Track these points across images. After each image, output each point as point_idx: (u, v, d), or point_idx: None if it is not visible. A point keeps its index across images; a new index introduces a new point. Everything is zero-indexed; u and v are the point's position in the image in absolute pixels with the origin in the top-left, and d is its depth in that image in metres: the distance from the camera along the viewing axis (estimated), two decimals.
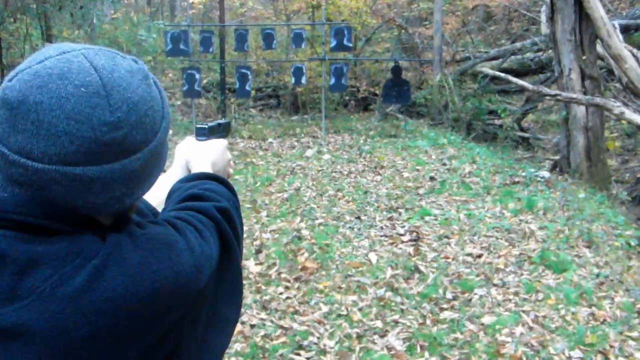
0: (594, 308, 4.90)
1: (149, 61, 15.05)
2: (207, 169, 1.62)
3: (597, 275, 5.49)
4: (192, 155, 1.69)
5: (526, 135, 13.59)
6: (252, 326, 4.77)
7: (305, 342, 4.53)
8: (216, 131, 1.82)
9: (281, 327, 4.77)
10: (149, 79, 1.12)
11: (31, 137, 0.99)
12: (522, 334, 4.53)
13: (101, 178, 1.02)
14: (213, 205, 1.35)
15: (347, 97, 14.92)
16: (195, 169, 1.63)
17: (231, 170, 1.81)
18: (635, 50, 8.69)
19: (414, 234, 6.58)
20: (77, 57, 1.04)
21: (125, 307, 1.02)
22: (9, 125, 1.00)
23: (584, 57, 8.60)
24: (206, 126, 1.77)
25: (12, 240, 1.00)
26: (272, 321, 4.86)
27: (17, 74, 1.02)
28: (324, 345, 4.51)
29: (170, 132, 12.52)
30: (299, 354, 4.40)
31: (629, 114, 7.29)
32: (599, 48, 8.93)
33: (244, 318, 4.86)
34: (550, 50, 12.39)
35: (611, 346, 4.33)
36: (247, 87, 12.62)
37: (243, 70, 12.62)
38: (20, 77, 1.01)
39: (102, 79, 1.02)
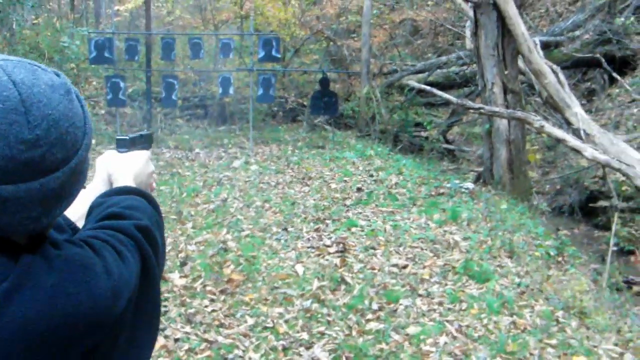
0: (515, 317, 5.00)
1: (72, 69, 14.69)
2: (129, 182, 1.57)
3: (519, 285, 5.61)
4: (113, 168, 1.62)
5: (451, 147, 13.85)
6: (176, 340, 4.68)
7: (231, 356, 4.47)
8: (138, 142, 1.75)
9: (206, 340, 4.69)
10: (71, 93, 1.07)
11: None
12: (446, 343, 4.58)
13: (17, 198, 0.97)
14: (133, 224, 1.29)
15: (275, 108, 14.91)
16: (117, 183, 1.57)
17: (154, 183, 1.75)
18: (554, 67, 8.97)
19: (341, 245, 6.59)
20: None
21: (37, 333, 0.97)
22: None
23: (506, 72, 8.82)
24: (127, 137, 1.71)
25: None
26: (196, 335, 4.78)
27: None
28: (249, 358, 4.45)
29: (94, 141, 12.23)
30: None
31: (549, 127, 7.50)
32: (521, 63, 9.18)
33: (167, 332, 4.77)
34: (474, 65, 12.69)
35: (531, 354, 4.42)
36: (173, 97, 12.45)
37: (169, 80, 12.46)
38: None
39: (20, 94, 0.97)
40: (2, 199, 0.96)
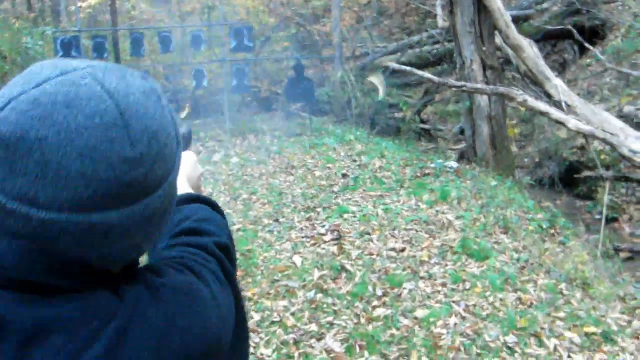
0: (519, 292, 5.04)
1: None
2: (186, 186, 1.46)
3: (518, 260, 5.66)
4: None
5: (427, 126, 13.89)
6: None
7: None
8: (184, 142, 1.62)
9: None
10: (162, 99, 0.96)
11: (35, 181, 0.81)
12: (456, 324, 4.60)
13: (121, 224, 0.87)
14: (213, 242, 1.18)
15: (249, 98, 14.81)
16: None
17: (202, 187, 1.64)
18: (529, 40, 9.01)
19: (335, 232, 6.58)
20: (84, 79, 0.86)
21: None
22: (4, 166, 0.82)
23: (484, 48, 8.84)
24: None
25: (13, 304, 0.84)
26: None
27: (9, 101, 0.84)
28: (261, 354, 4.43)
29: None
30: None
31: (532, 101, 7.54)
32: (497, 39, 9.21)
33: None
34: (447, 43, 12.73)
35: (542, 328, 4.46)
36: None
37: None
38: (14, 105, 0.83)
39: (118, 106, 0.86)
40: (106, 228, 0.86)
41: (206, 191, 8.33)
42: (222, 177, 9.32)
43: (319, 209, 7.40)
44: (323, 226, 6.83)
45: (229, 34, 12.43)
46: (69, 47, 12.10)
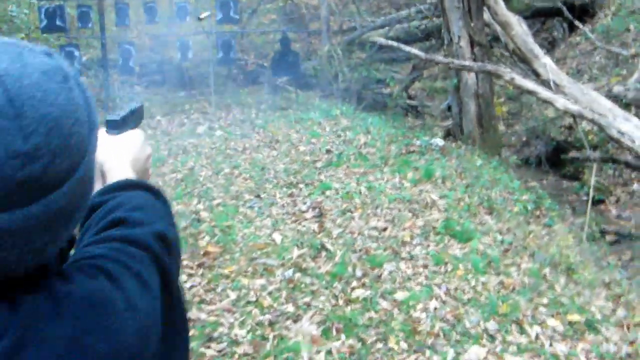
0: (502, 276, 4.94)
1: (21, 38, 14.11)
2: (127, 171, 1.31)
3: (502, 242, 5.56)
4: (105, 155, 1.33)
5: (414, 103, 13.73)
6: None
7: (216, 334, 4.33)
8: (130, 120, 1.48)
9: (188, 318, 4.53)
10: (70, 78, 0.83)
11: None
12: (436, 308, 4.49)
13: (14, 228, 0.75)
14: (147, 232, 1.04)
15: (235, 71, 14.57)
16: (112, 173, 1.30)
17: (150, 170, 1.49)
18: (518, 17, 8.84)
19: (317, 210, 6.45)
20: None
21: None
22: None
23: (472, 24, 8.67)
24: (118, 117, 1.43)
25: None
26: None
27: None
28: (236, 335, 4.32)
29: None
30: (209, 347, 4.20)
31: (519, 79, 7.39)
32: (486, 15, 9.03)
33: None
34: (435, 19, 12.54)
35: (524, 315, 4.36)
36: (130, 64, 12.09)
37: (126, 46, 12.07)
38: None
39: (7, 91, 0.73)
40: None
41: (188, 165, 8.19)
42: (204, 150, 9.15)
43: (301, 185, 7.26)
44: (305, 203, 6.70)
45: (215, 5, 12.18)
46: (53, 16, 11.84)
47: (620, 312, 4.44)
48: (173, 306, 1.01)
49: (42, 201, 0.76)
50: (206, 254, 5.59)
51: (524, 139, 11.08)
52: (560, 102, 7.08)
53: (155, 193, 1.24)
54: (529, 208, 6.44)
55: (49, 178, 0.76)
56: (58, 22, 11.83)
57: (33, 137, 0.74)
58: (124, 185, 1.22)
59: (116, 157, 1.34)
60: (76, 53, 11.75)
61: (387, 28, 14.27)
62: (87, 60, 13.93)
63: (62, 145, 0.77)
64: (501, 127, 11.25)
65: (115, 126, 1.43)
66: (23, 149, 0.73)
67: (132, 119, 1.52)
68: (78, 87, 0.86)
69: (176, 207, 6.72)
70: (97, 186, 1.30)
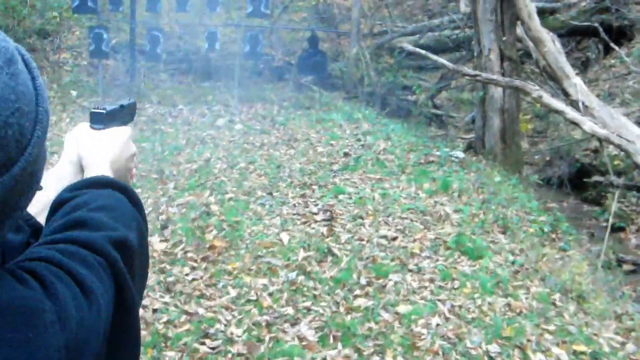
0: (510, 298, 4.79)
1: (54, 17, 14.14)
2: (105, 168, 1.23)
3: (513, 263, 5.40)
4: (86, 149, 1.28)
5: (439, 112, 13.57)
6: (155, 311, 4.44)
7: (212, 330, 4.24)
8: (118, 116, 1.40)
9: (186, 312, 4.45)
10: (15, 62, 0.74)
11: None
12: (438, 325, 4.36)
13: None
14: (105, 237, 0.96)
15: (262, 66, 14.49)
16: (89, 169, 1.24)
17: (134, 170, 1.41)
18: (552, 34, 8.67)
19: (328, 213, 6.33)
20: None
21: None
22: None
23: (504, 38, 8.51)
24: (103, 111, 1.35)
25: None
26: (176, 305, 4.53)
27: None
28: (231, 333, 4.22)
29: (75, 93, 11.85)
30: (204, 343, 4.10)
31: (547, 98, 7.24)
32: (518, 30, 8.87)
33: (146, 302, 4.51)
34: (467, 29, 12.37)
35: (528, 340, 4.21)
36: (158, 50, 12.01)
37: (155, 33, 12.01)
38: None
39: None
40: None
41: (204, 156, 8.10)
42: (222, 142, 9.06)
43: (314, 187, 7.14)
44: (316, 205, 6.58)
45: None
46: None
47: (630, 346, 4.27)
48: (124, 322, 0.92)
49: None
50: (212, 247, 5.50)
51: (548, 158, 10.87)
52: (588, 124, 6.91)
53: (128, 194, 1.14)
54: (545, 230, 6.27)
55: None
56: (90, 4, 11.79)
57: None
58: (94, 183, 1.13)
59: (96, 154, 1.27)
60: (105, 35, 11.72)
61: (418, 35, 14.12)
62: (115, 44, 13.92)
63: None
64: (525, 145, 11.06)
65: (100, 120, 1.35)
66: None
67: (121, 115, 1.44)
68: (26, 73, 0.77)
69: (187, 197, 6.65)
70: (78, 179, 1.24)
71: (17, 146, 0.73)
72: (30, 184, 0.79)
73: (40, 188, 0.87)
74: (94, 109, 1.36)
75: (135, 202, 1.14)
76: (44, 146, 0.82)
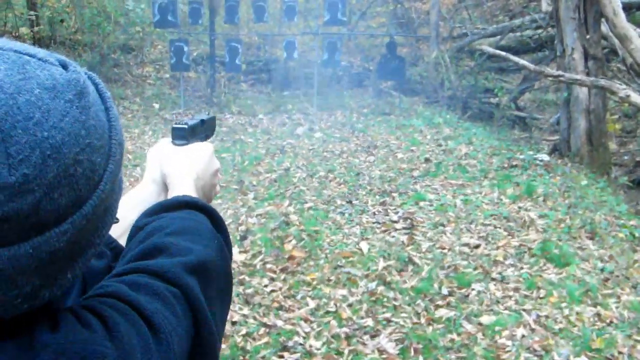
0: (599, 307, 4.59)
1: (137, 32, 14.57)
2: (189, 186, 1.18)
3: (602, 270, 5.18)
4: (169, 167, 1.24)
5: (522, 114, 13.23)
6: (234, 323, 4.45)
7: (290, 343, 4.21)
8: (199, 131, 1.38)
9: (264, 324, 4.44)
10: (86, 95, 0.71)
11: None
12: (523, 336, 4.21)
13: None
14: (180, 263, 0.90)
15: (341, 73, 14.50)
16: (173, 188, 1.19)
17: (218, 187, 1.36)
18: (639, 30, 8.33)
19: (408, 221, 6.25)
20: None
21: None
22: None
23: (587, 37, 8.22)
24: (186, 126, 1.32)
25: None
26: (255, 317, 4.54)
27: None
28: (310, 346, 4.19)
29: (157, 105, 12.14)
30: (282, 357, 4.09)
31: (635, 96, 6.94)
32: (603, 27, 8.56)
33: None
34: (550, 29, 12.03)
35: (620, 352, 4.02)
36: (237, 61, 12.20)
37: (233, 44, 12.19)
38: None
39: None
40: None
41: (284, 165, 8.14)
42: (302, 151, 9.10)
43: (394, 194, 7.07)
44: (396, 213, 6.51)
45: (323, 6, 12.15)
46: (165, 11, 12.14)
47: None
48: (203, 346, 0.88)
49: (32, 240, 0.65)
50: (291, 258, 5.50)
51: (638, 159, 10.45)
52: None
53: (209, 213, 1.09)
54: (636, 235, 5.99)
55: (42, 214, 0.65)
56: (170, 18, 12.11)
57: (22, 167, 0.63)
58: (173, 205, 1.08)
59: (180, 171, 1.23)
60: (185, 48, 11.98)
61: (498, 36, 13.82)
62: (196, 56, 14.21)
63: (63, 176, 0.66)
64: (613, 145, 10.65)
65: (182, 136, 1.33)
66: (9, 180, 0.62)
67: (202, 130, 1.42)
68: (99, 104, 0.74)
69: (267, 207, 6.68)
70: (161, 198, 1.22)
71: (89, 183, 0.70)
72: (104, 220, 0.77)
73: (117, 221, 0.84)
74: (176, 124, 1.34)
75: (217, 222, 1.09)
76: (119, 179, 0.79)
